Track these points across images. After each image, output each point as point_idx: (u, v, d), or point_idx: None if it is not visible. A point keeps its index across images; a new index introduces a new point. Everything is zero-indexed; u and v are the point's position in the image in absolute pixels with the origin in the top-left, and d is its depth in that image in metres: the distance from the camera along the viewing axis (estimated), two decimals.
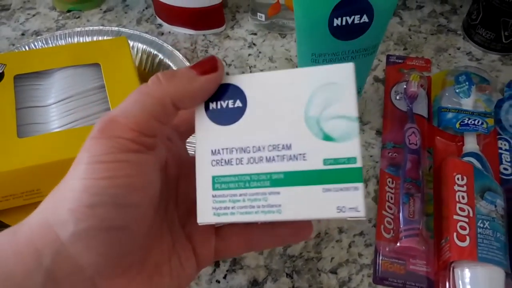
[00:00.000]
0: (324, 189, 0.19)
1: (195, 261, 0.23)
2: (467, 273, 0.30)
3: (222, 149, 0.20)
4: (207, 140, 0.21)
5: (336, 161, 0.19)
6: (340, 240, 0.35)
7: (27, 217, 0.19)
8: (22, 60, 0.36)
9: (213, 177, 0.20)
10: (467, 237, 0.31)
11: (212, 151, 0.21)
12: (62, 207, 0.18)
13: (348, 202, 0.19)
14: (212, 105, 0.21)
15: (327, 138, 0.20)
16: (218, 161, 0.20)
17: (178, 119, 0.21)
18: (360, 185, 0.19)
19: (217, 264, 0.34)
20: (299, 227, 0.24)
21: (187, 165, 0.24)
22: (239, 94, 0.21)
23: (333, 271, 0.33)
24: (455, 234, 0.31)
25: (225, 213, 0.20)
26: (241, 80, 0.21)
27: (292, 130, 0.20)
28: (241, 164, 0.20)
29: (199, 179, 0.21)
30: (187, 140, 0.27)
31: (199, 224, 0.20)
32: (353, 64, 0.20)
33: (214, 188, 0.20)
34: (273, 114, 0.20)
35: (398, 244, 0.33)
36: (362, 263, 0.34)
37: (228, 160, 0.20)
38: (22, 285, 0.17)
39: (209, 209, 0.20)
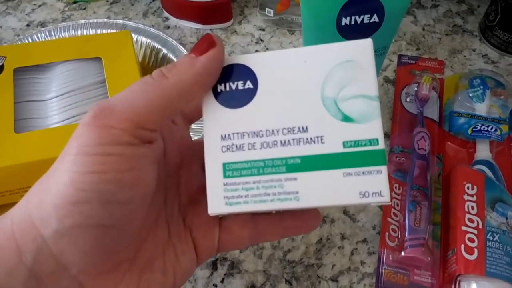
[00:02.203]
0: (344, 174, 0.18)
1: (194, 254, 0.22)
2: None
3: (233, 133, 0.19)
4: (216, 125, 0.19)
5: (356, 143, 0.18)
6: (342, 247, 0.34)
7: (11, 208, 0.18)
8: (22, 53, 0.36)
9: (224, 164, 0.19)
10: (475, 250, 0.29)
11: (222, 136, 0.19)
12: (46, 202, 0.17)
13: (371, 187, 0.18)
14: (221, 87, 0.20)
15: (346, 119, 0.18)
16: (228, 147, 0.19)
17: None
18: (384, 168, 0.18)
19: (214, 268, 0.33)
20: (307, 217, 0.22)
21: (190, 152, 0.22)
22: (249, 74, 0.19)
23: (334, 279, 0.32)
24: (462, 246, 0.30)
25: (238, 202, 0.19)
26: (251, 60, 0.20)
27: (308, 111, 0.19)
28: (254, 149, 0.19)
29: (208, 167, 0.19)
30: (191, 127, 0.25)
31: (210, 215, 0.19)
32: (371, 40, 0.19)
33: (225, 176, 0.19)
34: (286, 95, 0.19)
35: (402, 253, 0.31)
36: (364, 271, 0.33)
37: (240, 146, 0.19)
38: (3, 282, 0.17)
39: (220, 199, 0.19)
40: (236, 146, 0.19)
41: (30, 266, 0.17)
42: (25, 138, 0.31)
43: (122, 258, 0.19)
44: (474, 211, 0.31)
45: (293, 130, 0.19)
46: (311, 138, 0.19)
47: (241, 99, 0.19)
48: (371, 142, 0.18)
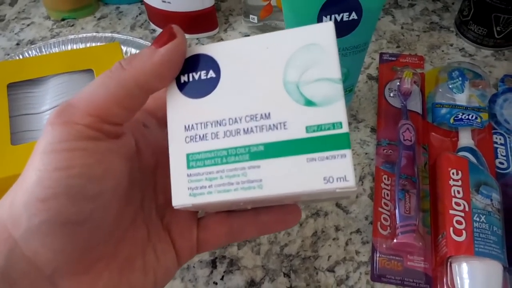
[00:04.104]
0: (308, 159, 0.17)
1: (174, 254, 0.22)
2: (464, 268, 0.30)
3: (196, 124, 0.19)
4: (180, 116, 0.19)
5: (320, 127, 0.18)
6: (336, 238, 0.35)
7: None
8: (15, 69, 0.36)
9: (188, 155, 0.19)
10: (464, 232, 0.31)
11: (185, 127, 0.19)
12: (16, 202, 0.17)
13: (336, 172, 0.17)
14: (184, 78, 0.19)
15: (309, 103, 0.18)
16: (192, 137, 0.19)
17: (154, 103, 0.20)
18: (348, 151, 0.17)
19: (214, 266, 0.34)
20: (285, 213, 0.22)
21: (166, 154, 0.22)
22: (211, 63, 0.19)
23: (331, 270, 0.33)
24: (451, 229, 0.31)
25: (201, 193, 0.18)
26: (213, 49, 0.19)
27: (270, 97, 0.18)
28: (217, 138, 0.19)
29: (172, 159, 0.19)
30: None
31: (175, 208, 0.19)
32: (332, 22, 0.19)
33: (189, 167, 0.19)
34: (249, 82, 0.19)
35: (395, 240, 0.33)
36: (360, 260, 0.34)
37: (203, 135, 0.19)
38: None
39: (184, 190, 0.19)
40: (200, 136, 0.19)
41: (1, 268, 0.17)
42: (21, 149, 0.32)
43: (97, 256, 0.19)
44: (460, 195, 0.32)
45: (256, 117, 0.18)
46: (273, 125, 0.18)
47: (204, 88, 0.19)
48: (335, 125, 0.18)
